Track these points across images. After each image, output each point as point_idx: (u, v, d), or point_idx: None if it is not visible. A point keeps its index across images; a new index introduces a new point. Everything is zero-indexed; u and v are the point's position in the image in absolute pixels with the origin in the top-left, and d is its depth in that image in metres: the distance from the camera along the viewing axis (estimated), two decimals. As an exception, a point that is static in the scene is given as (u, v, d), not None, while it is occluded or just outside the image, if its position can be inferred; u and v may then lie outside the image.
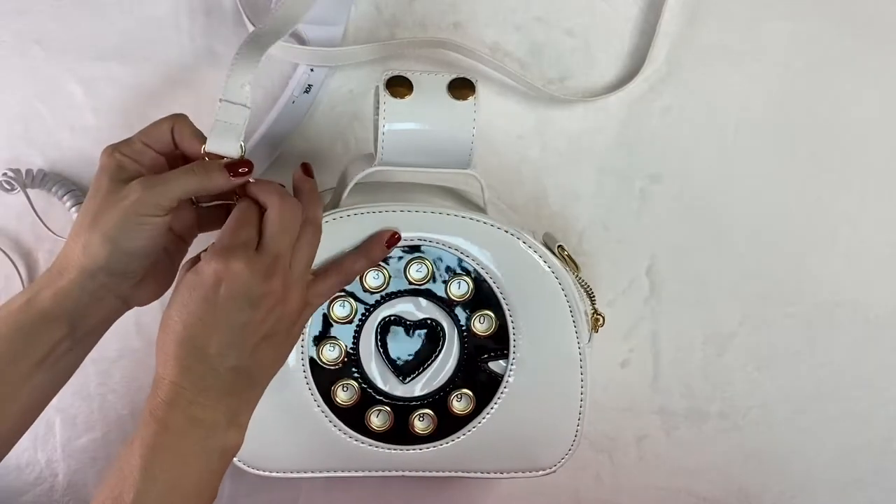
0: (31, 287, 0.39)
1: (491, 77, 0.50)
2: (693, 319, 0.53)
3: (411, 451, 0.47)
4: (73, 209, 0.49)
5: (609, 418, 0.55)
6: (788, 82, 0.51)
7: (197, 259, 0.38)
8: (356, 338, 0.45)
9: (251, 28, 0.48)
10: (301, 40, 0.48)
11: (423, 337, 0.45)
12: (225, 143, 0.39)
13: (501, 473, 0.48)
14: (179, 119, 0.41)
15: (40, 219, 0.50)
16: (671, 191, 0.52)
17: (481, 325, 0.45)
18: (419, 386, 0.46)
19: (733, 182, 0.52)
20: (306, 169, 0.43)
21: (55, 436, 0.54)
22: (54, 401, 0.54)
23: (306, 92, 0.49)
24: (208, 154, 0.39)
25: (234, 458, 0.39)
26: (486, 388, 0.46)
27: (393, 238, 0.42)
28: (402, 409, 0.46)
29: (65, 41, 0.50)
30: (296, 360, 0.44)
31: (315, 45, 0.48)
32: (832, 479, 0.56)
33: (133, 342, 0.53)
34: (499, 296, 0.44)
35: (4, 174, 0.49)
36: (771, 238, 0.53)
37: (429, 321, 0.45)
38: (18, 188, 0.49)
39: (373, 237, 0.42)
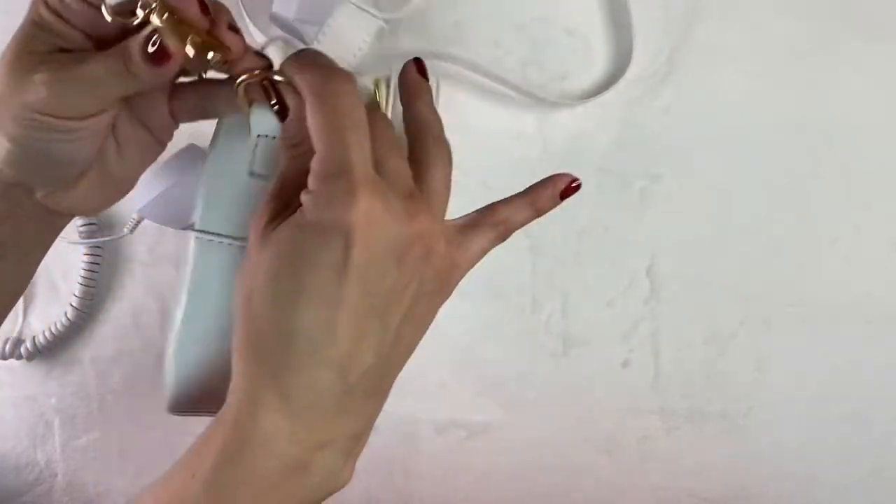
0: None
1: (489, 77, 0.50)
2: (694, 319, 0.53)
3: None
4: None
5: (609, 418, 0.55)
6: (789, 82, 0.51)
7: (280, 202, 0.26)
8: None
9: (250, 25, 0.48)
10: (303, 44, 0.48)
11: None
12: None
13: None
14: None
15: (40, 219, 0.50)
16: (671, 191, 0.52)
17: None
18: None
19: (734, 182, 0.52)
20: (420, 66, 0.31)
21: (54, 436, 0.54)
22: (53, 401, 0.55)
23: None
24: (114, 12, 0.27)
25: None
26: None
27: (570, 187, 0.33)
28: None
29: (64, 41, 0.50)
30: None
31: (316, 46, 0.48)
32: (833, 480, 0.56)
33: (132, 342, 0.53)
34: None
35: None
36: (772, 238, 0.53)
37: None
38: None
39: (545, 183, 0.32)
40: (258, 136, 0.31)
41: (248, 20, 0.48)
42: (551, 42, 0.51)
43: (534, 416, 0.55)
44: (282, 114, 0.28)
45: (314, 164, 0.25)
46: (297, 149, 0.27)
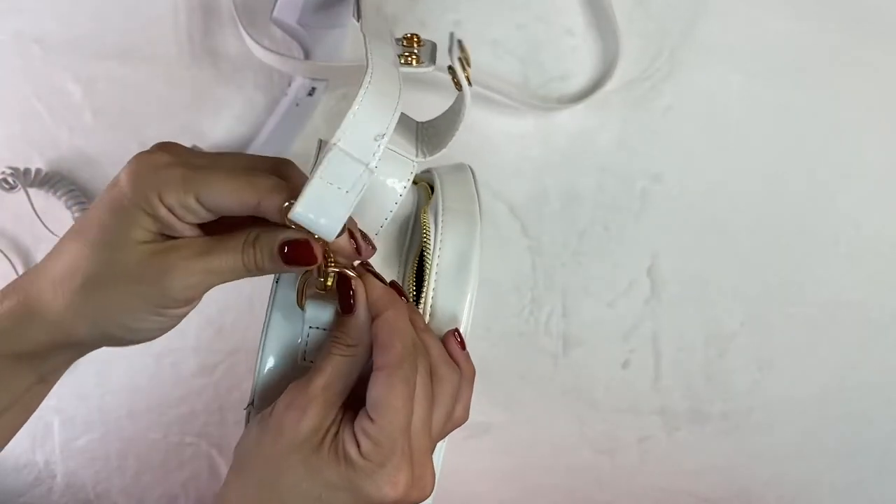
0: None
1: (489, 78, 0.50)
2: (694, 320, 0.53)
3: None
4: (75, 208, 0.49)
5: (610, 419, 0.54)
6: (789, 81, 0.51)
7: (326, 404, 0.29)
8: None
9: (246, 36, 0.47)
10: (306, 52, 0.48)
11: None
12: (324, 217, 0.27)
13: None
14: (285, 165, 0.31)
15: (39, 218, 0.50)
16: (672, 191, 0.52)
17: None
18: None
19: (735, 182, 0.52)
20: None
21: (53, 436, 0.54)
22: (53, 401, 0.54)
23: (310, 94, 0.49)
24: (291, 223, 0.27)
25: None
26: None
27: (462, 340, 0.34)
28: None
29: (64, 41, 0.50)
30: None
31: (319, 50, 0.48)
32: (833, 481, 0.56)
33: (132, 342, 0.53)
34: None
35: (3, 173, 0.49)
36: (772, 238, 0.52)
37: None
38: (19, 187, 0.49)
39: (453, 350, 0.34)
40: (310, 327, 0.32)
41: (241, 29, 0.48)
42: (551, 42, 0.51)
43: (534, 416, 0.55)
44: (345, 310, 0.30)
45: (379, 417, 0.28)
46: (351, 349, 0.30)
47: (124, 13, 0.50)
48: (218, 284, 0.29)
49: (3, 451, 0.55)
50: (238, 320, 0.53)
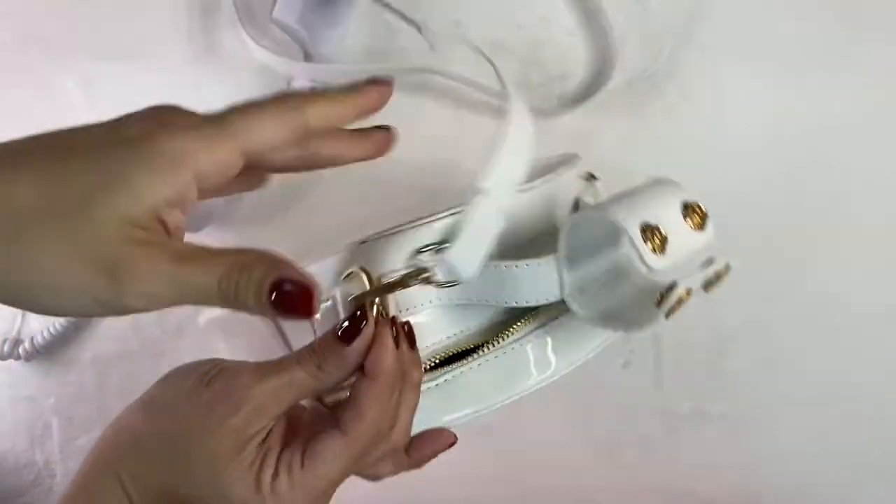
0: None
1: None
2: (695, 320, 0.53)
3: None
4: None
5: (609, 418, 0.54)
6: (791, 81, 0.51)
7: (283, 434, 0.29)
8: None
9: (246, 36, 0.47)
10: (306, 52, 0.48)
11: None
12: (469, 264, 0.28)
13: None
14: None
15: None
16: (672, 191, 0.52)
17: None
18: None
19: (735, 182, 0.52)
20: (412, 340, 0.32)
21: (53, 437, 0.54)
22: (52, 401, 0.55)
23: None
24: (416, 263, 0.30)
25: None
26: None
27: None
28: None
29: (64, 41, 0.50)
30: None
31: (319, 51, 0.48)
32: (834, 481, 0.56)
33: (131, 342, 0.53)
34: None
35: (3, 174, 0.49)
36: (773, 238, 0.52)
37: None
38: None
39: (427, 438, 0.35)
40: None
41: (241, 27, 0.48)
42: (551, 42, 0.50)
43: (534, 416, 0.55)
44: (341, 336, 0.28)
45: (311, 469, 0.27)
46: (319, 374, 0.28)
47: (124, 13, 0.50)
48: (180, 303, 0.24)
49: (3, 451, 0.55)
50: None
